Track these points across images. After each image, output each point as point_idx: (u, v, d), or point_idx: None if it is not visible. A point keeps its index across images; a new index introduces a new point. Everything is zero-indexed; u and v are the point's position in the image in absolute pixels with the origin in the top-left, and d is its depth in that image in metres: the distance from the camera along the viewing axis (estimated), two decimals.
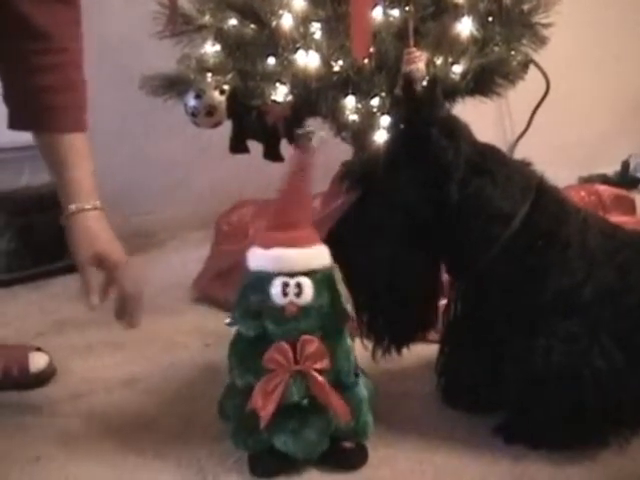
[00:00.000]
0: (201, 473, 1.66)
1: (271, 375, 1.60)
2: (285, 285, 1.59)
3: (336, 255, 1.68)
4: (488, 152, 1.74)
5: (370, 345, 1.80)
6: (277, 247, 1.61)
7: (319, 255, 1.64)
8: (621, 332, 1.69)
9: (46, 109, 1.75)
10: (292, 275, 1.60)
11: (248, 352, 1.65)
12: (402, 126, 1.73)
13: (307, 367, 1.60)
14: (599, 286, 1.69)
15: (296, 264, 1.61)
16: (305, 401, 1.62)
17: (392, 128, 1.74)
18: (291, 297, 1.59)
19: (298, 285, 1.59)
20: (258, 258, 1.64)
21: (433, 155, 1.67)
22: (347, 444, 1.67)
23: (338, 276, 1.64)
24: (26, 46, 1.72)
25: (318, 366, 1.61)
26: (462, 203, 1.68)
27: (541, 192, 1.73)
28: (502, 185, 1.70)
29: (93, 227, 1.75)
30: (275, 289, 1.59)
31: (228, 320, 1.66)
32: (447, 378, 1.87)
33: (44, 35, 1.72)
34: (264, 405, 1.59)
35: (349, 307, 1.63)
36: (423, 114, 1.68)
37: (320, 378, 1.61)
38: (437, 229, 1.71)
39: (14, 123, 1.79)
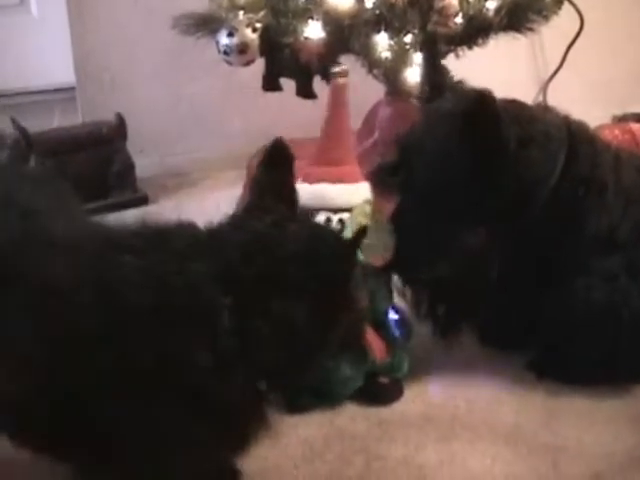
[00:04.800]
0: None
1: None
2: (328, 220, 1.58)
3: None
4: (520, 116, 1.68)
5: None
6: (321, 183, 1.60)
7: (361, 192, 1.63)
8: None
9: None
10: (335, 211, 1.58)
11: None
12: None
13: None
14: (636, 225, 1.69)
15: (339, 200, 1.59)
16: None
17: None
18: None
19: (341, 221, 1.58)
20: (301, 193, 1.64)
21: (500, 154, 1.62)
22: (383, 379, 1.69)
23: (365, 209, 1.63)
24: None
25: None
26: (516, 176, 1.65)
27: (572, 138, 1.70)
28: (544, 147, 1.67)
29: None
30: None
31: None
32: (482, 317, 1.88)
33: None
34: None
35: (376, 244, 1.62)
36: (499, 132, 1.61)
37: None
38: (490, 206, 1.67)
39: None
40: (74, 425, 1.23)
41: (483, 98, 1.59)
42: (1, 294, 1.21)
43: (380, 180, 1.72)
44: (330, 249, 1.28)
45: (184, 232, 1.31)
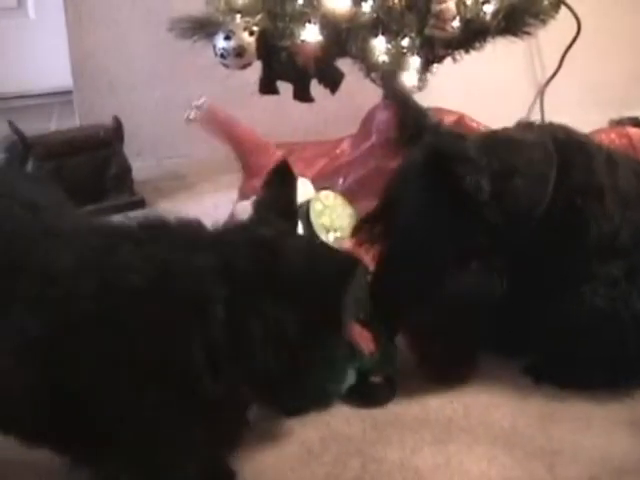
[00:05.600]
0: None
1: None
2: None
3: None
4: (498, 149, 1.67)
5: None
6: (252, 195, 1.63)
7: None
8: None
9: None
10: None
11: None
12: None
13: None
14: (635, 229, 1.69)
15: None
16: None
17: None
18: None
19: None
20: (242, 211, 1.66)
21: (468, 195, 1.61)
22: (375, 379, 1.70)
23: (315, 208, 1.64)
24: None
25: None
26: (502, 207, 1.64)
27: (562, 149, 1.69)
28: (529, 172, 1.66)
29: None
30: None
31: None
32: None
33: None
34: None
35: (326, 237, 1.63)
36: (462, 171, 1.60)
37: None
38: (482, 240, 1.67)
39: None
40: (66, 414, 1.26)
41: (438, 151, 1.61)
42: (6, 282, 1.27)
43: (365, 231, 1.74)
44: (328, 267, 1.30)
45: (188, 226, 1.35)
